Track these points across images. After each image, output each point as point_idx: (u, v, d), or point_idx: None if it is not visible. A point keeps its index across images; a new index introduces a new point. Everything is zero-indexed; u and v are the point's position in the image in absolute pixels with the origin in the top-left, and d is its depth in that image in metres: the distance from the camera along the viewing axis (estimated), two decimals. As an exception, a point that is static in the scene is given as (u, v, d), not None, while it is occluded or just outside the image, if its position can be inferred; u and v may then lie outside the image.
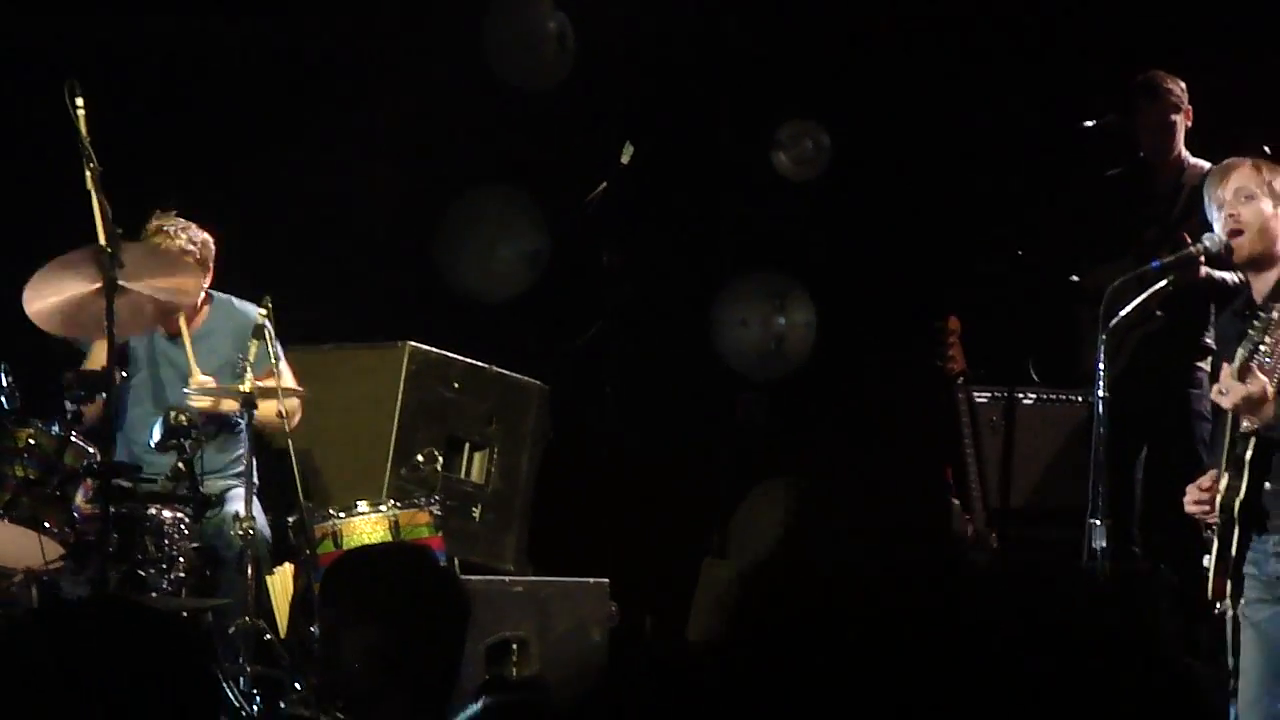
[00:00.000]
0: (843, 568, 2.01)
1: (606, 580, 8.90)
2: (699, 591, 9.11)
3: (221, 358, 8.29)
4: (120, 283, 7.32)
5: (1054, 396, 9.16)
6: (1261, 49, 9.25)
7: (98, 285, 7.34)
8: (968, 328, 8.98)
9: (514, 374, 9.49)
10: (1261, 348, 6.10)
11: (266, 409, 8.01)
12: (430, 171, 10.00)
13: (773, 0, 10.28)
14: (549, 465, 9.61)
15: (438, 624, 3.82)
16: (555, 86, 9.98)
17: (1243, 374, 6.12)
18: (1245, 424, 6.17)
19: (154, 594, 7.57)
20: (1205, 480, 6.33)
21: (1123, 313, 7.12)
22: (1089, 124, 8.63)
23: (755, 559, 8.99)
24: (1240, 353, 6.15)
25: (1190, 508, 6.38)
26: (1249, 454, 6.17)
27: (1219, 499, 6.24)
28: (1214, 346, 8.33)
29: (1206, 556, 6.32)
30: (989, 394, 9.13)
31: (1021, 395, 9.13)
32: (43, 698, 2.71)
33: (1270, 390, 6.06)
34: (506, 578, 9.01)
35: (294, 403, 8.13)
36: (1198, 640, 7.81)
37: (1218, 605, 6.27)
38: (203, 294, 8.40)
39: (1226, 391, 6.14)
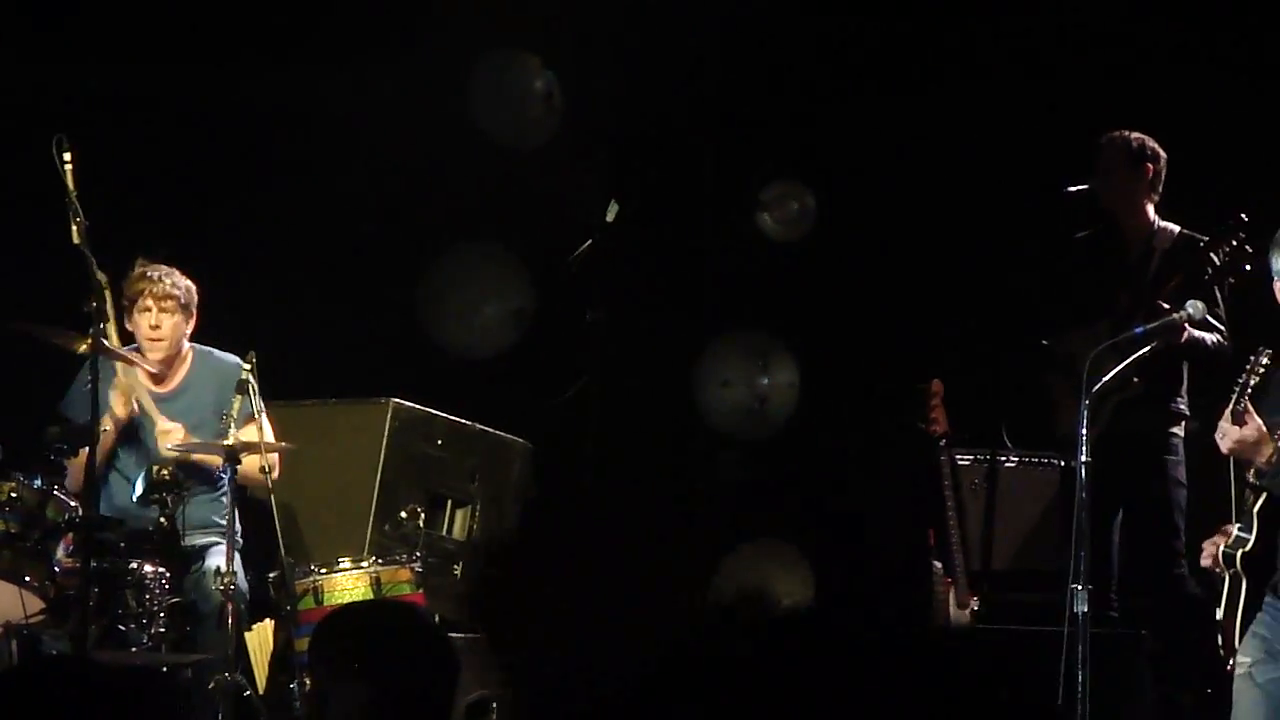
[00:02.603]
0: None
1: (587, 638, 8.87)
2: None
3: (202, 411, 8.29)
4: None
5: (1035, 460, 9.17)
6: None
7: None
8: (950, 390, 8.99)
9: (497, 431, 9.49)
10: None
11: (250, 465, 8.01)
12: (416, 227, 10.01)
13: (760, 61, 10.31)
14: (531, 522, 9.59)
15: (427, 683, 3.82)
16: (542, 143, 10.00)
17: (1238, 418, 6.14)
18: (1250, 475, 6.20)
19: (134, 649, 7.55)
20: (1219, 537, 6.36)
21: (1106, 378, 7.14)
22: (1072, 189, 8.62)
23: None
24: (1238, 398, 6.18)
25: (1205, 562, 6.43)
26: (1257, 506, 6.19)
27: (1222, 549, 6.25)
28: (1187, 413, 8.37)
29: (1218, 610, 6.34)
30: (971, 457, 9.14)
31: (1003, 458, 9.15)
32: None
33: (1265, 430, 6.07)
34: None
35: (274, 458, 8.14)
36: (1180, 706, 7.83)
37: (1231, 662, 6.25)
38: (185, 344, 8.42)
39: (1223, 436, 6.17)
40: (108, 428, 8.07)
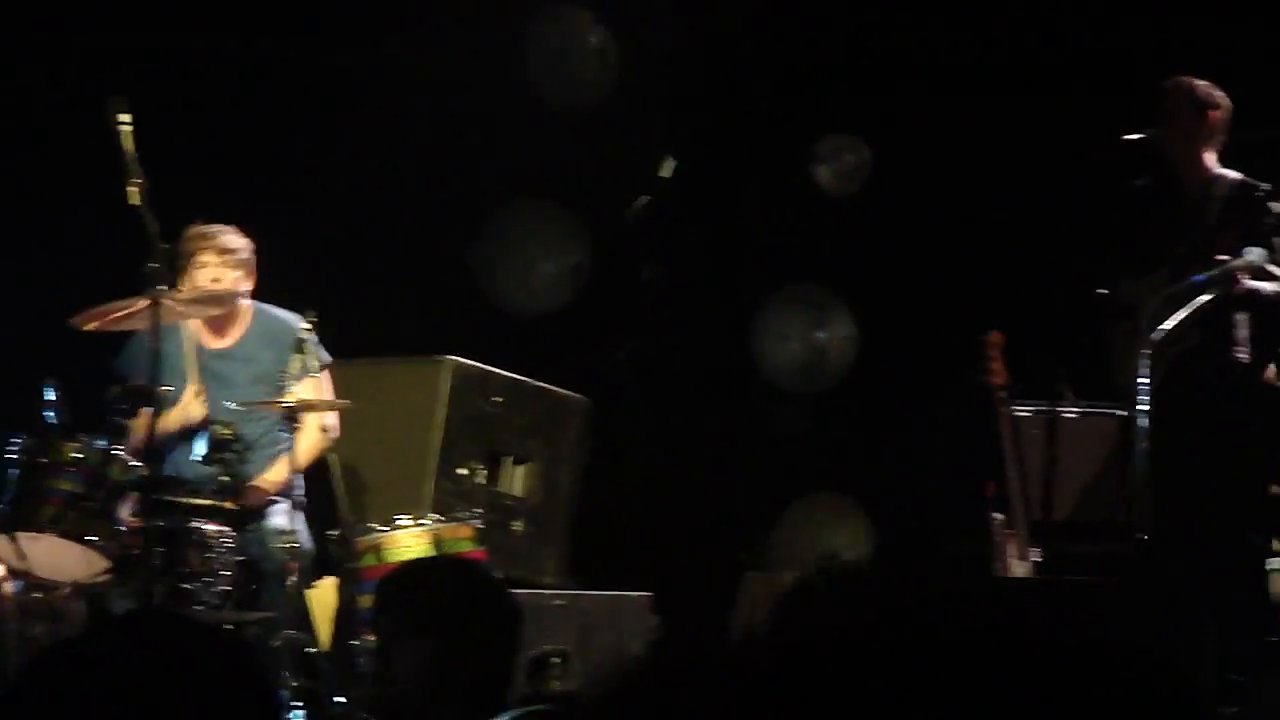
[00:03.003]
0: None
1: (649, 594, 8.90)
2: (740, 605, 9.10)
3: (260, 367, 8.32)
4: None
5: (1095, 410, 9.13)
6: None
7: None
8: (1009, 341, 8.96)
9: (555, 388, 9.50)
10: None
11: (310, 425, 8.05)
12: (471, 185, 10.03)
13: (813, 14, 10.28)
14: (590, 479, 9.63)
15: (490, 637, 3.83)
16: (596, 100, 10.00)
17: None
18: None
19: (199, 607, 7.60)
20: None
21: (1166, 327, 7.10)
22: (1130, 136, 8.56)
23: (799, 574, 9.00)
24: None
25: None
26: None
27: None
28: (1247, 362, 8.32)
29: None
30: (1031, 408, 9.11)
31: (1063, 409, 9.11)
32: (97, 714, 2.71)
33: None
34: (547, 591, 9.02)
35: (333, 417, 8.18)
36: (1241, 655, 7.80)
37: None
38: (244, 301, 8.44)
39: None
40: (188, 410, 8.13)
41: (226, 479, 7.81)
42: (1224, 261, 7.63)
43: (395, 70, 9.89)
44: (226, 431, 7.84)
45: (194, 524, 7.72)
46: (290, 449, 7.97)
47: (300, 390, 8.05)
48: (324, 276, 9.29)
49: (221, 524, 7.77)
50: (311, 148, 9.76)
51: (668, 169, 9.25)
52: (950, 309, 9.77)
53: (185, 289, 8.20)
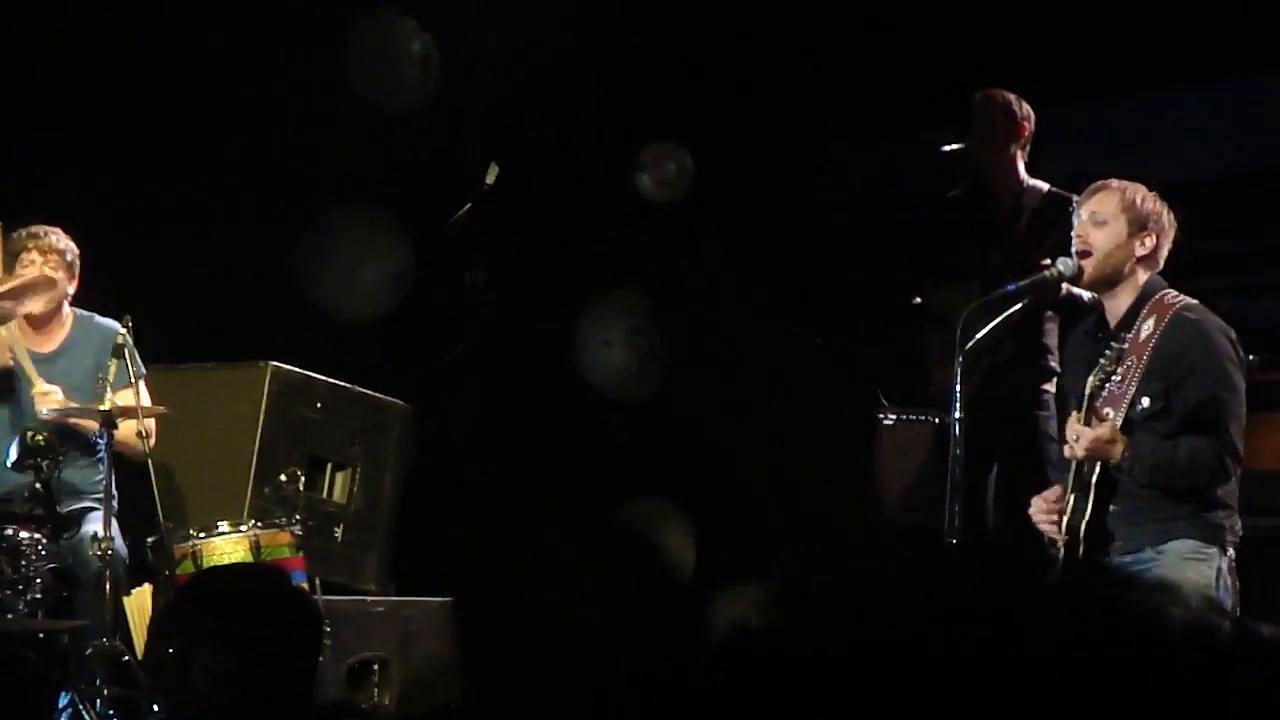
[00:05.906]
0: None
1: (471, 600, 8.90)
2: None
3: (81, 374, 8.25)
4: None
5: (910, 417, 9.22)
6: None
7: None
8: (827, 349, 9.05)
9: (377, 394, 9.48)
10: (1114, 378, 6.19)
11: (127, 430, 7.97)
12: (293, 190, 9.97)
13: (637, 23, 10.33)
14: (412, 485, 9.61)
15: (290, 646, 3.82)
16: (419, 106, 9.98)
17: (1089, 416, 6.20)
18: None
19: (10, 615, 7.51)
20: (1051, 494, 6.39)
21: (979, 335, 7.19)
22: (948, 148, 8.69)
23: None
24: (1091, 381, 6.23)
25: (1038, 518, 6.44)
26: (1095, 476, 6.24)
27: (1065, 520, 6.30)
28: (1058, 370, 8.45)
29: None
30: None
31: (882, 416, 9.21)
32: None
33: (1116, 427, 6.13)
34: (368, 598, 9.00)
35: (150, 423, 8.10)
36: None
37: None
38: (66, 308, 8.37)
39: (1078, 438, 6.21)
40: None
41: (39, 485, 7.72)
42: (1039, 270, 7.74)
43: (218, 73, 9.81)
44: (40, 437, 7.74)
45: (6, 530, 7.63)
46: (106, 454, 7.89)
47: (119, 396, 7.98)
48: (144, 281, 9.20)
49: (34, 530, 7.68)
50: (132, 150, 9.66)
51: (492, 175, 9.26)
52: (772, 316, 9.84)
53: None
